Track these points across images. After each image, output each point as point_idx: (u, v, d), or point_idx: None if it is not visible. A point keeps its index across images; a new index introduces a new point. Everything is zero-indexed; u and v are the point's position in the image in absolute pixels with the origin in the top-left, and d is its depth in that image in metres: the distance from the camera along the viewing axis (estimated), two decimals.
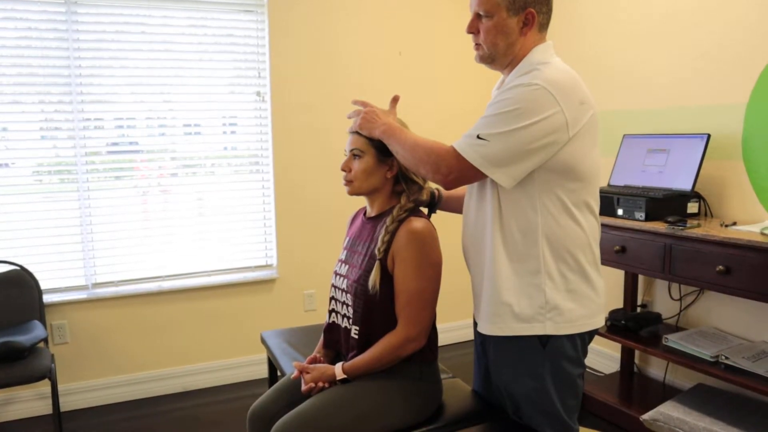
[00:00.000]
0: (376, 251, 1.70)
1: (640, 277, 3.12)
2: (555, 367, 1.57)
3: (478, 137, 1.48)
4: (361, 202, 1.89)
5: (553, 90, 1.44)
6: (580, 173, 1.51)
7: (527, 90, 1.45)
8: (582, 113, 1.48)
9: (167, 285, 3.21)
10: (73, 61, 2.92)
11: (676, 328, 2.83)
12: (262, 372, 3.45)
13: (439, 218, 2.02)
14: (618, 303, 3.21)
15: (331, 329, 1.89)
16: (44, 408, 3.02)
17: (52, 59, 2.89)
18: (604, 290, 1.63)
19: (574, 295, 1.54)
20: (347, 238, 1.91)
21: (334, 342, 1.89)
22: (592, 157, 1.53)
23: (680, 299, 2.90)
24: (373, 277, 1.69)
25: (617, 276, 3.22)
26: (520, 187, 1.51)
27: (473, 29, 1.60)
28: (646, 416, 2.55)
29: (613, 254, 2.69)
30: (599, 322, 1.61)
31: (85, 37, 2.94)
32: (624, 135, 3.00)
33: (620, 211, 2.68)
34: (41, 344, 2.69)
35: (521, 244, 1.54)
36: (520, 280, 1.54)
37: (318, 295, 3.56)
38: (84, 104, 2.97)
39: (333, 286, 1.87)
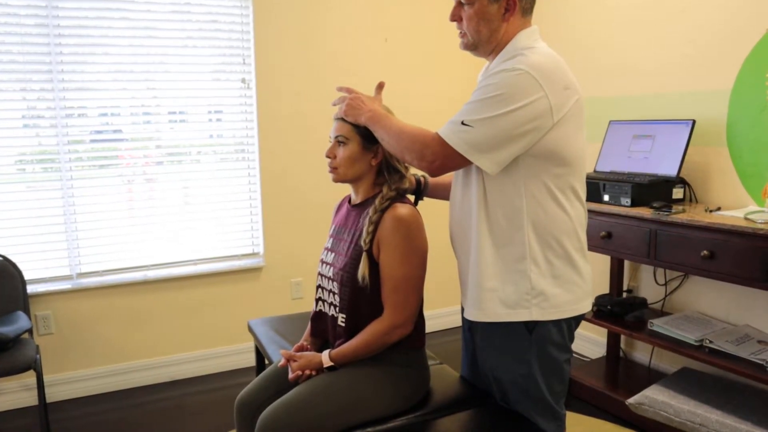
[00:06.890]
0: (362, 243, 1.69)
1: (626, 263, 3.14)
2: (541, 353, 1.57)
3: (462, 123, 1.47)
4: (347, 189, 1.88)
5: (537, 75, 1.43)
6: (565, 158, 1.50)
7: (511, 75, 1.44)
8: (566, 98, 1.47)
9: (153, 274, 3.18)
10: (54, 48, 2.87)
11: (661, 313, 2.86)
12: (250, 360, 3.45)
13: (427, 205, 2.02)
14: (604, 288, 3.23)
15: (318, 317, 1.88)
16: (30, 399, 3.00)
17: (32, 46, 2.83)
18: (591, 276, 1.64)
19: (559, 281, 1.54)
20: (333, 226, 1.90)
21: (322, 330, 1.88)
22: (578, 142, 1.53)
23: (665, 284, 2.93)
24: (362, 270, 1.68)
25: (603, 261, 3.24)
26: (505, 172, 1.51)
27: (456, 17, 1.60)
28: (631, 400, 2.58)
29: (599, 240, 2.71)
30: (586, 307, 1.61)
31: (66, 23, 2.88)
32: (610, 121, 3.01)
33: (606, 197, 2.69)
34: (26, 335, 2.66)
35: (506, 229, 1.53)
36: (506, 266, 1.54)
37: (305, 283, 3.55)
38: (66, 92, 2.93)
39: (319, 274, 1.86)
